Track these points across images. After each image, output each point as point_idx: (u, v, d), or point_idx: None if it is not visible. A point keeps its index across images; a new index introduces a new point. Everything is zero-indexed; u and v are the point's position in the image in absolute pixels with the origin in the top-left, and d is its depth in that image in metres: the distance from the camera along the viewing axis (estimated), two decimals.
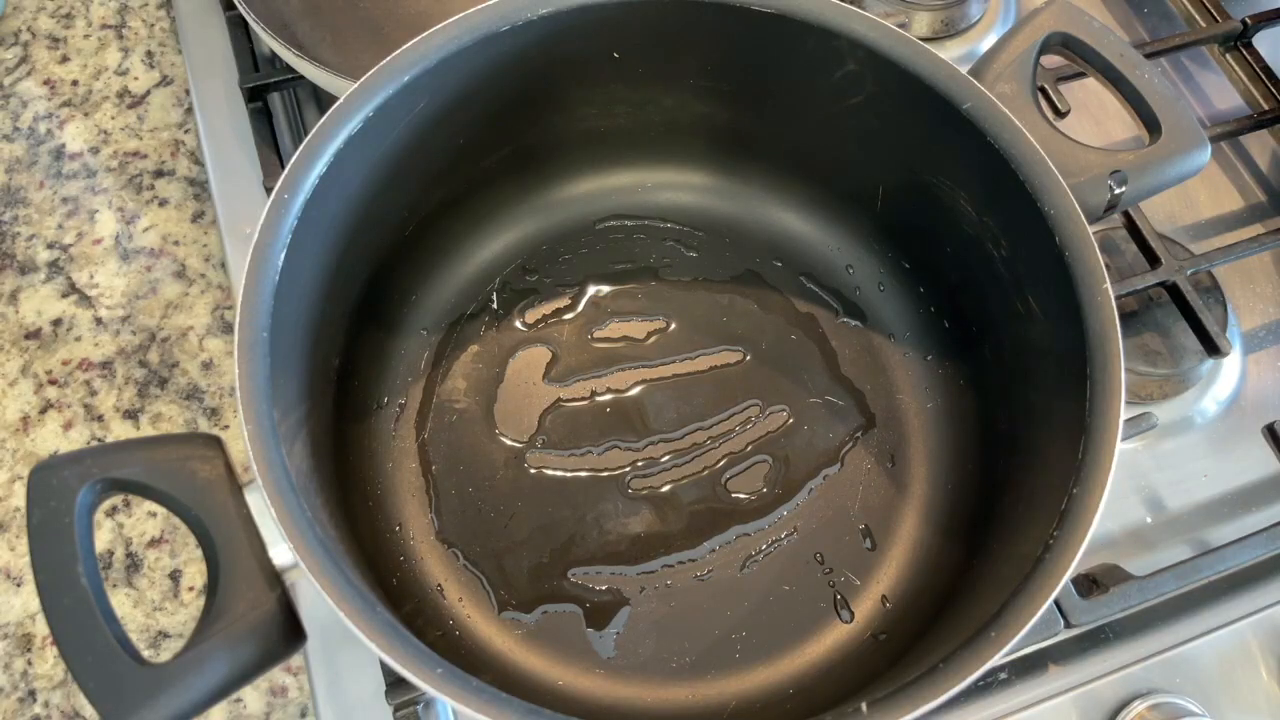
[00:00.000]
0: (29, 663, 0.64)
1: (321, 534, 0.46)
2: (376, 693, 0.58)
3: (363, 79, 0.56)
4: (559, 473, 0.65)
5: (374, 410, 0.65)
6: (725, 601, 0.61)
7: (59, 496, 0.44)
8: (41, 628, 0.65)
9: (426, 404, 0.67)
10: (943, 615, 0.56)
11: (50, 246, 0.78)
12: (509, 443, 0.66)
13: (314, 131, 0.54)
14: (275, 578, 0.45)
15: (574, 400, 0.68)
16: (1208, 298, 0.71)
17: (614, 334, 0.70)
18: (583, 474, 0.65)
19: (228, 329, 0.75)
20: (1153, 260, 0.71)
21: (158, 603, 0.66)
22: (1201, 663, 0.61)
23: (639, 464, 0.66)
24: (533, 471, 0.65)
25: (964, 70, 0.57)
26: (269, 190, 0.73)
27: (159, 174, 0.82)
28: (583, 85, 0.65)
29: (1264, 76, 0.81)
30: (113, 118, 0.84)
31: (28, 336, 0.75)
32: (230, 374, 0.73)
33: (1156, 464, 0.69)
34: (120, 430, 0.72)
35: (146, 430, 0.71)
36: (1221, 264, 0.72)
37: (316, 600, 0.44)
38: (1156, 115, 0.59)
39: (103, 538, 0.67)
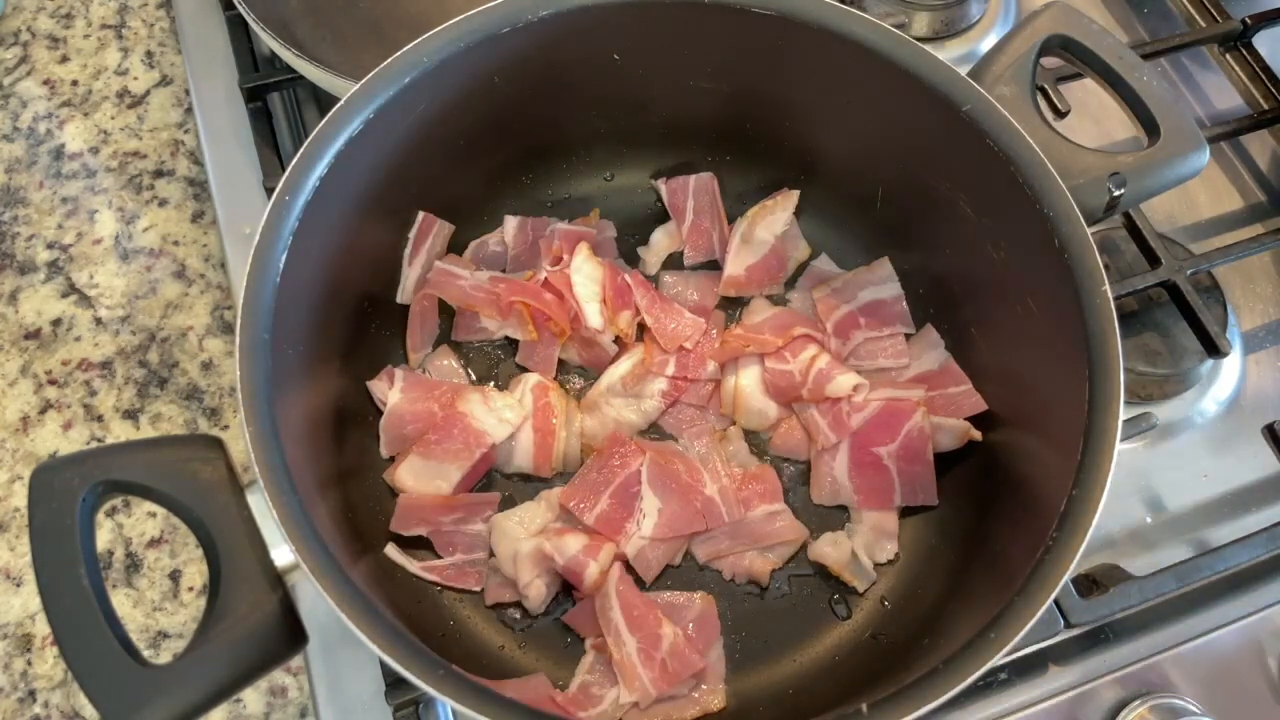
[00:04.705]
0: (29, 663, 0.64)
1: (323, 535, 0.46)
2: (376, 693, 0.58)
3: (363, 81, 0.56)
4: None
5: (376, 412, 0.64)
6: (725, 602, 0.61)
7: (60, 498, 0.44)
8: (41, 628, 0.65)
9: None
10: (942, 616, 0.56)
11: (50, 246, 0.78)
12: None
13: (314, 133, 0.54)
14: (277, 579, 0.45)
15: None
16: (1208, 298, 0.71)
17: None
18: None
19: (228, 329, 0.75)
20: (1153, 260, 0.71)
21: (157, 603, 0.66)
22: (1201, 663, 0.61)
23: None
24: None
25: (964, 72, 0.58)
26: (269, 190, 0.73)
27: (159, 174, 0.82)
28: (583, 87, 0.65)
29: (1264, 76, 0.81)
30: (112, 118, 0.84)
31: (28, 336, 0.75)
32: (230, 374, 0.73)
33: (1156, 464, 0.69)
34: (120, 430, 0.72)
35: (146, 430, 0.71)
36: (1221, 264, 0.72)
37: (317, 601, 0.44)
38: (1155, 118, 0.59)
39: (102, 538, 0.67)
